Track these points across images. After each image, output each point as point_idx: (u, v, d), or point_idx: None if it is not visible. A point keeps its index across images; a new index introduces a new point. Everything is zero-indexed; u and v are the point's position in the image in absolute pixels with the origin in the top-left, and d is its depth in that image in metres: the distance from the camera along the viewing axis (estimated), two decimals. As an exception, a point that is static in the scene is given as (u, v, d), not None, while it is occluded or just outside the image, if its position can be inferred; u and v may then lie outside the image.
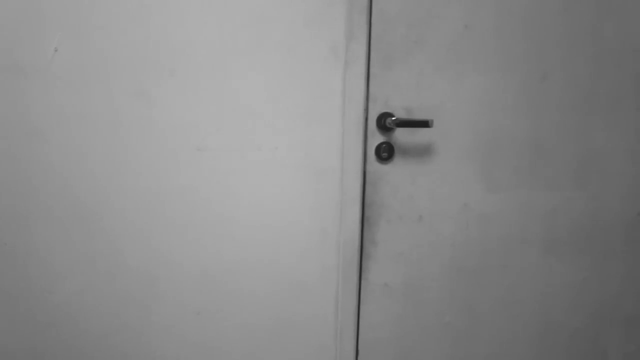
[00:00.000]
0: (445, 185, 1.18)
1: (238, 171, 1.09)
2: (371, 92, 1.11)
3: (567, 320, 1.30)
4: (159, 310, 1.11)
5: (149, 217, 1.07)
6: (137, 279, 1.09)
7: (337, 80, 1.09)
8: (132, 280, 1.08)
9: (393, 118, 1.10)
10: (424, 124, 1.07)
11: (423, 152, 1.16)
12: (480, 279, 1.23)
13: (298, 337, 1.18)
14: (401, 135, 1.14)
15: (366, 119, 1.12)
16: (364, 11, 1.07)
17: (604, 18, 1.19)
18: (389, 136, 1.14)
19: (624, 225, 1.28)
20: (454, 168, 1.17)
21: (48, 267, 1.05)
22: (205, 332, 1.13)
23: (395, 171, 1.15)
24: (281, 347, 1.17)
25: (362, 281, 1.18)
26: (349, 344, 1.19)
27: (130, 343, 1.11)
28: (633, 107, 1.24)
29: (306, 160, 1.11)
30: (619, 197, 1.26)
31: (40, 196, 1.02)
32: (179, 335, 1.12)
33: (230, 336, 1.15)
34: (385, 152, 1.13)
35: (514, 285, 1.25)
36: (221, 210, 1.09)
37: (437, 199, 1.18)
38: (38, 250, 1.04)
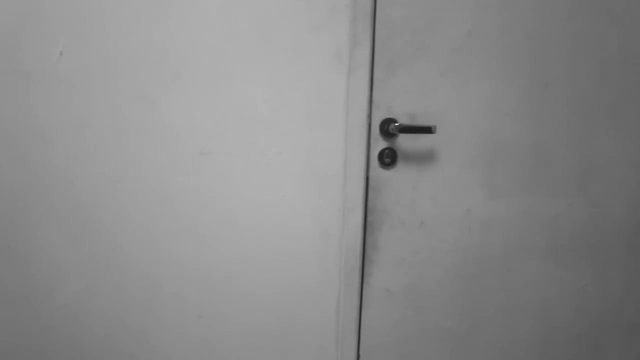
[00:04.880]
0: (448, 191, 1.18)
1: (241, 175, 1.09)
2: (375, 97, 1.11)
3: (568, 327, 1.30)
4: (162, 313, 1.11)
5: (152, 220, 1.07)
6: (140, 281, 1.09)
7: (341, 85, 1.09)
8: (135, 282, 1.09)
9: (396, 124, 1.11)
10: (427, 130, 1.07)
11: (426, 158, 1.16)
12: (482, 284, 1.23)
13: (299, 341, 1.18)
14: (404, 141, 1.15)
15: (369, 125, 1.12)
16: (368, 17, 1.07)
17: (607, 26, 1.19)
18: (392, 142, 1.14)
19: (626, 232, 1.28)
20: (457, 174, 1.18)
21: (51, 269, 1.05)
22: (207, 335, 1.14)
23: (397, 177, 1.15)
24: (282, 351, 1.17)
25: (364, 286, 1.18)
26: (350, 349, 1.19)
27: (133, 345, 1.11)
28: (636, 115, 1.24)
29: (309, 165, 1.11)
30: (620, 204, 1.27)
31: (44, 199, 1.02)
32: (181, 337, 1.13)
33: (232, 339, 1.15)
34: (388, 158, 1.14)
35: (515, 291, 1.26)
36: (223, 214, 1.10)
37: (439, 205, 1.18)
38: (41, 252, 1.04)
